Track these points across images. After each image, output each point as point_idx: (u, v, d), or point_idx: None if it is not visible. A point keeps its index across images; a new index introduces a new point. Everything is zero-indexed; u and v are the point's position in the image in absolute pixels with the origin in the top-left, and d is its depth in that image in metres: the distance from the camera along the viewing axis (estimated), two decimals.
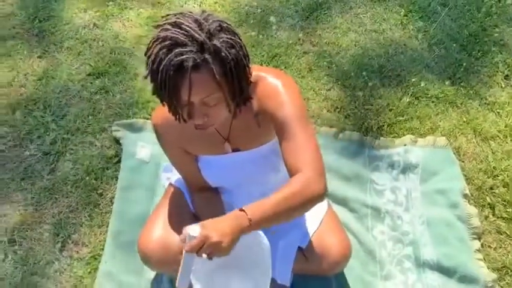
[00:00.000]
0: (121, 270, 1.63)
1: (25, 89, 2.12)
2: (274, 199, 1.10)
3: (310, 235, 1.50)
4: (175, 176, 1.60)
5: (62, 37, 2.33)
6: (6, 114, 2.03)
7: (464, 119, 2.13)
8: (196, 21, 1.05)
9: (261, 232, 1.26)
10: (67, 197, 1.80)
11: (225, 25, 1.08)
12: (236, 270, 1.33)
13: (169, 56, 1.02)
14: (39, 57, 2.25)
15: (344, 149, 1.98)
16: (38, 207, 1.78)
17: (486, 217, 1.85)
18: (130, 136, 1.95)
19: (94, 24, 2.39)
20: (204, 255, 1.03)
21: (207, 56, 1.04)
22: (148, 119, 2.04)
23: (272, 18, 2.42)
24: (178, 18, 1.06)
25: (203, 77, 1.05)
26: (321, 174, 1.15)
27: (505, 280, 1.69)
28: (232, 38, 1.08)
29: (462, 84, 2.26)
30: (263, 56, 2.31)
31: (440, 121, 2.12)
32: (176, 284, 1.12)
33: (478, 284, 1.65)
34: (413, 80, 2.24)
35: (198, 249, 1.02)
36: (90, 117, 2.03)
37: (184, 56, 1.02)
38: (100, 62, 2.23)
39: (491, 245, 1.78)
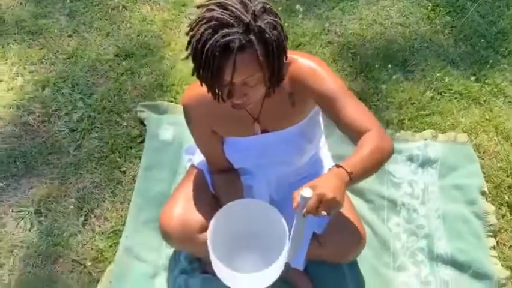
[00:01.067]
0: (140, 246, 1.68)
1: (55, 66, 2.18)
2: (361, 155, 1.16)
3: (326, 222, 1.53)
4: (197, 157, 1.64)
5: (92, 17, 2.38)
6: (36, 90, 2.09)
7: (487, 117, 2.12)
8: (241, 2, 1.08)
9: (280, 214, 1.30)
10: (91, 173, 1.86)
11: (267, 6, 1.11)
12: (254, 252, 1.37)
13: (215, 36, 1.05)
14: (69, 36, 2.30)
15: None
16: (64, 181, 1.84)
17: (503, 215, 1.84)
18: (154, 117, 2.00)
19: (123, 6, 2.43)
20: (324, 213, 1.07)
21: (252, 37, 1.06)
22: (172, 101, 2.08)
23: (298, 7, 2.42)
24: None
25: (247, 58, 1.07)
26: (383, 131, 1.25)
27: None
28: (275, 19, 1.11)
29: (487, 81, 2.24)
30: (288, 44, 2.31)
31: (462, 117, 2.11)
32: (287, 258, 1.20)
33: (491, 280, 1.66)
34: (437, 75, 2.23)
35: (316, 208, 1.07)
36: (116, 97, 2.08)
37: (230, 37, 1.05)
38: (128, 44, 2.27)
39: (507, 243, 1.78)
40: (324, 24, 2.41)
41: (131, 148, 1.94)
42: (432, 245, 1.74)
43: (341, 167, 1.13)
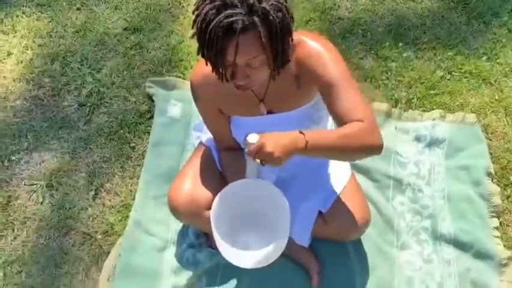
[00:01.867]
0: (149, 220, 1.72)
1: (63, 40, 2.18)
2: (334, 133, 1.17)
3: (332, 200, 1.55)
4: (205, 135, 1.66)
5: None
6: (45, 64, 2.10)
7: (497, 97, 2.11)
8: None
9: (282, 194, 1.32)
10: (101, 148, 1.89)
11: None
12: (256, 230, 1.40)
13: (219, 17, 1.05)
14: (78, 9, 2.29)
15: None
16: (74, 155, 1.87)
17: (508, 196, 1.86)
18: (162, 93, 2.01)
19: None
20: (258, 161, 1.15)
21: (255, 18, 1.06)
22: (180, 77, 2.09)
23: None
24: None
25: (250, 39, 1.07)
26: (376, 126, 1.21)
27: None
28: (280, 1, 1.10)
29: (498, 61, 2.21)
30: (297, 20, 2.29)
31: (472, 97, 2.10)
32: (246, 175, 1.29)
33: (492, 260, 1.68)
34: (448, 53, 2.20)
35: (254, 154, 1.13)
36: (125, 72, 2.08)
37: (233, 18, 1.04)
38: (136, 18, 2.26)
39: (510, 224, 1.80)
40: None
41: (140, 124, 1.96)
42: (436, 224, 1.77)
43: (302, 133, 1.15)
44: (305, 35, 1.30)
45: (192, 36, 1.13)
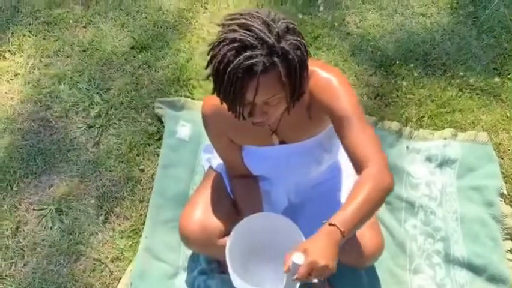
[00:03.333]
0: (160, 246, 1.71)
1: (71, 59, 2.17)
2: (356, 203, 1.11)
3: None
4: (215, 159, 1.64)
5: (107, 7, 2.34)
6: (53, 84, 2.09)
7: (508, 114, 2.09)
8: (264, 22, 1.05)
9: (298, 229, 1.31)
10: (110, 171, 1.88)
11: (291, 26, 1.08)
12: (271, 265, 1.39)
13: (239, 58, 1.03)
14: (84, 27, 2.27)
15: (382, 139, 1.96)
16: (83, 179, 1.86)
17: None
18: (171, 114, 1.99)
19: None
20: (315, 280, 1.06)
21: (275, 59, 1.05)
22: (188, 97, 2.07)
23: (320, 1, 2.36)
24: (247, 20, 1.06)
25: (270, 79, 1.06)
26: (386, 166, 1.18)
27: None
28: (298, 39, 1.08)
29: (509, 76, 2.19)
30: (306, 36, 2.27)
31: (483, 115, 2.08)
32: None
33: (506, 284, 1.67)
34: (459, 70, 2.18)
35: (307, 275, 1.04)
36: (133, 92, 2.07)
37: (254, 60, 1.03)
38: (143, 35, 2.24)
39: None
40: (343, 14, 2.35)
41: (149, 145, 1.94)
42: (448, 247, 1.75)
43: (334, 225, 1.08)
44: (318, 65, 1.28)
45: (207, 77, 1.11)
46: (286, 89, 1.10)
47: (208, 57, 1.10)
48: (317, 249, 1.05)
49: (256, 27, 1.04)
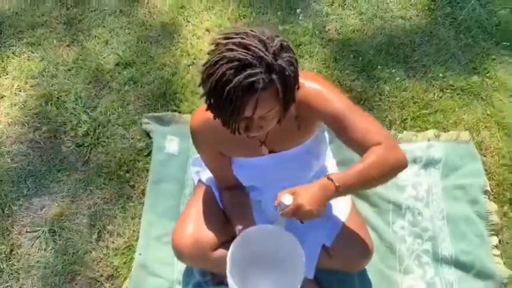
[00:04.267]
0: (154, 262, 1.73)
1: (56, 79, 2.18)
2: (360, 166, 1.19)
3: (335, 234, 1.57)
4: (204, 172, 1.67)
5: (90, 25, 2.35)
6: (39, 105, 2.10)
7: (488, 112, 2.14)
8: (261, 41, 1.08)
9: (297, 241, 1.34)
10: (101, 189, 1.89)
11: (285, 44, 1.12)
12: (270, 276, 1.42)
13: (238, 77, 1.06)
14: (68, 46, 2.29)
15: None
16: (74, 198, 1.88)
17: (505, 213, 1.89)
18: (159, 129, 2.01)
19: (120, 11, 2.40)
20: (297, 220, 1.20)
21: (273, 76, 1.08)
22: (175, 110, 2.09)
23: (297, 4, 2.40)
24: (243, 39, 1.08)
25: (269, 95, 1.10)
26: (396, 144, 1.24)
27: None
28: (291, 55, 1.12)
29: (488, 75, 2.24)
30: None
31: (464, 114, 2.13)
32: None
33: (493, 280, 1.71)
34: (439, 71, 2.23)
35: (292, 215, 1.18)
36: (120, 109, 2.09)
37: (254, 78, 1.06)
38: (127, 51, 2.26)
39: (509, 241, 1.83)
40: (324, 21, 2.39)
41: (138, 161, 1.96)
42: (436, 247, 1.79)
43: (330, 179, 1.17)
44: (302, 75, 1.31)
45: (202, 96, 1.13)
46: (281, 103, 1.14)
47: (203, 76, 1.12)
48: (306, 195, 1.16)
49: (254, 46, 1.07)
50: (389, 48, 2.31)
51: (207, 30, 2.35)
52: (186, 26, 2.37)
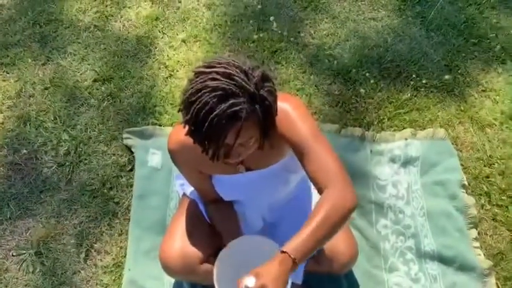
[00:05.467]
0: (143, 277, 1.74)
1: (33, 99, 2.16)
2: (311, 227, 1.16)
3: None
4: (188, 186, 1.68)
5: (64, 42, 2.34)
6: (18, 126, 2.08)
7: (462, 108, 2.20)
8: (243, 71, 1.11)
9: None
10: (86, 207, 1.89)
11: (265, 73, 1.14)
12: None
13: (222, 106, 1.07)
14: (44, 64, 2.27)
15: (347, 146, 2.05)
16: (59, 218, 1.87)
17: (482, 206, 1.95)
18: (141, 143, 2.02)
19: (95, 26, 2.40)
20: None
21: (256, 106, 1.11)
22: (156, 123, 2.10)
23: (270, 11, 2.43)
24: (226, 69, 1.10)
25: (250, 124, 1.13)
26: (348, 185, 1.22)
27: (500, 266, 1.82)
28: (271, 85, 1.15)
29: (459, 71, 2.31)
30: (264, 51, 2.34)
31: (439, 111, 2.19)
32: None
33: (475, 271, 1.78)
34: (412, 70, 2.29)
35: None
36: (100, 125, 2.08)
37: (238, 107, 1.08)
38: (104, 67, 2.25)
39: (488, 233, 1.90)
40: (297, 27, 2.43)
41: (121, 177, 1.97)
42: (419, 243, 1.85)
43: (285, 252, 1.15)
44: None
45: (182, 122, 1.15)
46: (261, 131, 1.17)
47: (184, 103, 1.13)
48: (268, 274, 1.13)
49: (237, 76, 1.09)
50: (362, 50, 2.36)
51: (183, 41, 2.37)
52: (162, 37, 2.38)
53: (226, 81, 1.09)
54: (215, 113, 1.08)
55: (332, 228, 1.18)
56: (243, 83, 1.09)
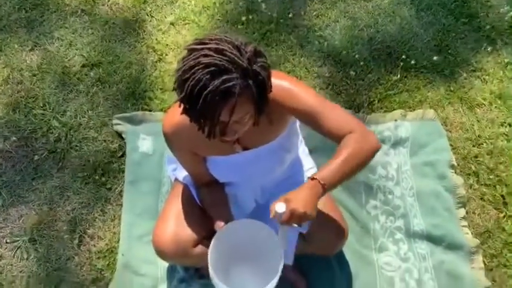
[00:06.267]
0: (137, 261, 1.76)
1: (22, 85, 2.15)
2: (339, 160, 1.25)
3: (310, 221, 1.62)
4: (180, 171, 1.69)
5: (51, 27, 2.31)
6: (7, 114, 2.07)
7: (452, 88, 2.21)
8: (235, 47, 1.10)
9: (274, 233, 1.39)
10: (78, 194, 1.90)
11: (258, 49, 1.14)
12: (251, 267, 1.48)
13: (215, 82, 1.07)
14: (31, 50, 2.25)
15: None
16: (52, 205, 1.88)
17: (471, 185, 1.98)
18: (131, 129, 2.02)
19: (82, 10, 2.36)
20: (295, 225, 1.24)
21: (249, 81, 1.11)
22: (146, 109, 2.10)
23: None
24: (218, 44, 1.10)
25: (245, 100, 1.12)
26: (367, 129, 1.31)
27: (487, 243, 1.86)
28: (265, 60, 1.15)
29: (449, 51, 2.31)
30: (254, 33, 2.32)
31: (429, 92, 2.20)
32: (280, 247, 1.34)
33: (463, 250, 1.82)
34: (402, 50, 2.28)
35: (289, 221, 1.22)
36: (90, 111, 2.08)
37: (231, 83, 1.08)
38: (93, 52, 2.23)
39: (475, 212, 1.93)
40: (287, 8, 2.40)
41: (112, 163, 1.97)
42: (408, 223, 1.88)
43: (315, 179, 1.23)
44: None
45: (176, 101, 1.15)
46: (256, 107, 1.17)
47: (178, 81, 1.13)
48: (297, 199, 1.21)
49: (229, 52, 1.09)
50: (353, 30, 2.35)
51: (172, 24, 2.34)
52: (150, 21, 2.36)
53: (218, 57, 1.08)
54: (208, 89, 1.08)
55: (357, 165, 1.27)
56: (236, 58, 1.08)
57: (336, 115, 1.31)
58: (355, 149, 1.26)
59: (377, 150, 1.31)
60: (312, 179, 1.24)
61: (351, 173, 1.28)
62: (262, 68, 1.13)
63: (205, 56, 1.09)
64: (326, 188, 1.24)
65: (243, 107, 1.14)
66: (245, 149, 1.46)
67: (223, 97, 1.09)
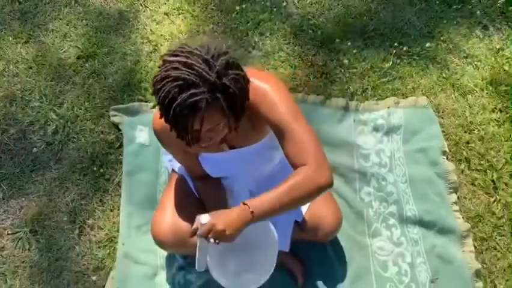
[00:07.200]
0: (137, 250, 1.81)
1: (18, 78, 2.16)
2: (279, 190, 1.23)
3: (305, 210, 1.67)
4: (176, 162, 1.72)
5: (45, 18, 2.31)
6: (4, 107, 2.09)
7: (444, 75, 2.23)
8: (205, 61, 1.13)
9: (270, 223, 1.43)
10: (77, 185, 1.93)
11: (231, 61, 1.16)
12: (246, 256, 1.52)
13: (183, 96, 1.11)
14: (26, 42, 2.25)
15: (331, 116, 2.09)
16: (52, 196, 1.91)
17: (462, 171, 2.02)
18: (128, 120, 2.04)
19: (76, 1, 2.36)
20: (212, 240, 1.24)
21: (218, 94, 1.13)
22: (142, 100, 2.11)
23: None
24: (188, 58, 1.12)
25: (214, 112, 1.15)
26: (323, 165, 1.26)
27: (478, 227, 1.91)
28: (238, 72, 1.17)
29: (442, 38, 2.33)
30: (248, 23, 2.33)
31: (421, 79, 2.22)
32: (196, 266, 1.35)
33: (454, 234, 1.86)
34: (396, 38, 2.30)
35: (207, 235, 1.23)
36: (86, 103, 2.10)
37: (197, 98, 1.11)
38: (87, 43, 2.24)
39: (466, 196, 1.97)
40: None
41: (110, 154, 2.00)
42: (401, 209, 1.92)
43: (246, 204, 1.23)
44: (254, 74, 1.32)
45: (154, 107, 1.18)
46: (228, 116, 1.18)
47: (153, 90, 1.17)
48: (222, 217, 1.23)
49: (197, 66, 1.11)
50: (346, 18, 2.36)
51: (166, 14, 2.35)
52: (144, 11, 2.36)
53: (186, 71, 1.11)
54: (176, 102, 1.11)
55: (298, 198, 1.24)
56: (204, 72, 1.11)
57: (299, 141, 1.27)
58: (300, 182, 1.23)
59: (325, 187, 1.26)
60: (244, 203, 1.24)
61: (291, 204, 1.25)
62: (234, 80, 1.15)
63: (175, 69, 1.12)
64: (254, 216, 1.22)
65: (213, 118, 1.16)
66: (232, 147, 1.48)
67: (191, 110, 1.12)
